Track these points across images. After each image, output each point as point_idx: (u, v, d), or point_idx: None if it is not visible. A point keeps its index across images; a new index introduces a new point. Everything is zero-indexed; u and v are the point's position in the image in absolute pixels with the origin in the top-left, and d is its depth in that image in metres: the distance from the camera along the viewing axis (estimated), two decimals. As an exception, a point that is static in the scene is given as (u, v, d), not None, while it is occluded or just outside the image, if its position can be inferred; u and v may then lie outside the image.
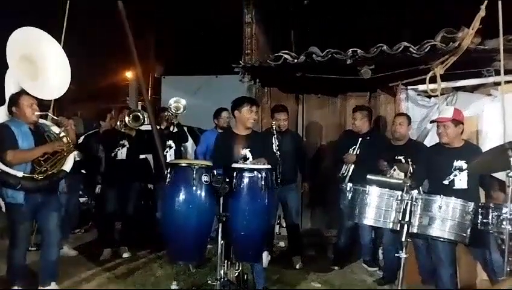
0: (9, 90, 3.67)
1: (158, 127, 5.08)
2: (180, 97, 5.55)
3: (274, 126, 4.79)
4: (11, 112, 3.59)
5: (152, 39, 13.93)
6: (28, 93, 3.56)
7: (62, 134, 3.67)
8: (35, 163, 3.48)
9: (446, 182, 3.61)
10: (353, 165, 4.67)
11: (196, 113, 6.09)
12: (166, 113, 5.39)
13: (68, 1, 4.81)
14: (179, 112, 5.43)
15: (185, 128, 5.75)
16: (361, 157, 4.65)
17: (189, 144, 6.09)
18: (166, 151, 5.32)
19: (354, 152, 4.71)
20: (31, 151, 3.48)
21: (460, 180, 3.58)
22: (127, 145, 5.05)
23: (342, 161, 4.75)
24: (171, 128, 5.41)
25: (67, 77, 3.98)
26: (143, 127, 5.11)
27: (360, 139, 4.72)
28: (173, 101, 5.44)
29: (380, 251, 4.85)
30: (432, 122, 4.04)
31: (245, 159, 3.63)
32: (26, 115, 3.53)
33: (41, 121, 3.70)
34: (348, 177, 4.62)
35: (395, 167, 4.31)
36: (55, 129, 3.74)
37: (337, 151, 4.97)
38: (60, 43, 4.25)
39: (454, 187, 3.57)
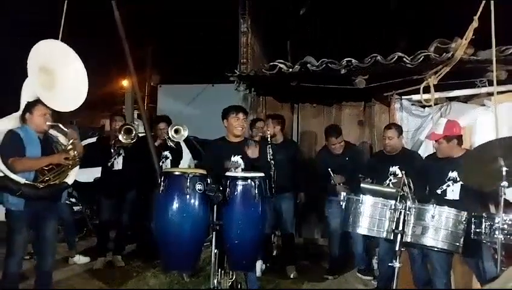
0: (24, 98, 3.68)
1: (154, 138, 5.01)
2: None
3: (268, 134, 4.82)
4: (24, 118, 3.60)
5: (149, 48, 14.01)
6: (43, 103, 3.56)
7: (69, 147, 3.66)
8: (39, 172, 3.48)
9: (439, 191, 3.63)
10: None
11: (192, 121, 6.06)
12: (164, 136, 5.25)
13: (64, 10, 4.82)
14: (177, 135, 5.27)
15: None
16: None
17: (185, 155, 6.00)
18: (163, 162, 5.24)
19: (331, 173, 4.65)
20: (37, 160, 3.48)
21: (453, 191, 3.59)
22: (123, 154, 5.02)
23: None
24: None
25: (83, 90, 3.93)
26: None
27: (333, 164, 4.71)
28: (171, 128, 5.24)
29: (375, 261, 4.84)
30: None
31: (236, 166, 3.63)
32: (37, 124, 3.54)
33: (51, 131, 3.70)
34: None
35: (391, 178, 4.32)
36: (64, 141, 3.73)
37: (319, 169, 5.01)
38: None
39: (446, 197, 3.58)
